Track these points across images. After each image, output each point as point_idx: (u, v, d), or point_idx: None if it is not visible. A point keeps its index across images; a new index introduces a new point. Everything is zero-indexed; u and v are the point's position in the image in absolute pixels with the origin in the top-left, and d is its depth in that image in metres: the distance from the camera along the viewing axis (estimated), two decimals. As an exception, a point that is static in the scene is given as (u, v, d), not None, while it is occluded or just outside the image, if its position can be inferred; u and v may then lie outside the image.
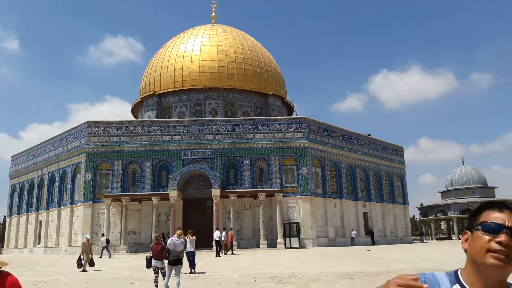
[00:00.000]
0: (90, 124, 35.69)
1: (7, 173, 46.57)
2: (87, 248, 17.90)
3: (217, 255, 24.26)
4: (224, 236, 26.18)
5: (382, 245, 36.40)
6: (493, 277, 1.19)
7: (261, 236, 32.20)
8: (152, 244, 11.42)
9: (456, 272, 1.31)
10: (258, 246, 32.16)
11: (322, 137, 37.24)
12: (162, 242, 11.27)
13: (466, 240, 1.31)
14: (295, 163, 34.79)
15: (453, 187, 53.89)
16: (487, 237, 1.22)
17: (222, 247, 25.77)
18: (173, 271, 10.44)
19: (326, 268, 16.04)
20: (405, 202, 46.24)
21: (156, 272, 10.58)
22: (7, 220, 46.29)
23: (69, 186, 36.24)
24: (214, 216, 31.92)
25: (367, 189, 41.29)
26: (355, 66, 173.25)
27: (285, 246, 31.65)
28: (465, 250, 1.31)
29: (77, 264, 17.34)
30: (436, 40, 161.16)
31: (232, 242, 27.46)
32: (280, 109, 46.48)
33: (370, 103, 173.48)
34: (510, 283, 1.25)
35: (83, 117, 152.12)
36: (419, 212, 67.88)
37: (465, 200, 51.51)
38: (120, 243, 31.46)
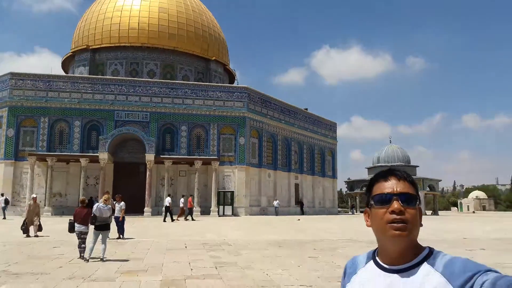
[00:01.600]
0: (14, 75, 32.59)
1: None
2: (34, 210, 15.06)
3: (164, 220, 25.07)
4: (182, 202, 26.93)
5: (310, 216, 38.23)
6: (398, 246, 1.19)
7: (195, 204, 32.14)
8: (77, 208, 10.83)
9: (376, 249, 1.31)
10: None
11: (261, 108, 37.47)
12: (88, 206, 10.77)
13: (368, 218, 1.29)
14: (233, 132, 34.77)
15: (379, 164, 57.42)
16: (382, 210, 1.21)
17: (179, 213, 26.73)
18: (100, 237, 9.92)
19: (257, 236, 16.47)
20: (334, 176, 48.67)
21: (79, 238, 10.06)
22: None
23: (-13, 141, 33.09)
24: (147, 182, 31.21)
25: (300, 162, 42.70)
26: (299, 40, 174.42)
27: (218, 214, 31.99)
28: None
29: (21, 229, 14.49)
30: (377, 19, 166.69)
31: (191, 208, 27.30)
32: (222, 76, 45.78)
33: (311, 78, 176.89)
34: (428, 247, 1.23)
35: (8, 67, 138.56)
36: (346, 186, 72.02)
37: (387, 177, 55.51)
38: (45, 205, 29.66)
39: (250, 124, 35.57)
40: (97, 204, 10.46)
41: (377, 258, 1.27)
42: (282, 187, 39.34)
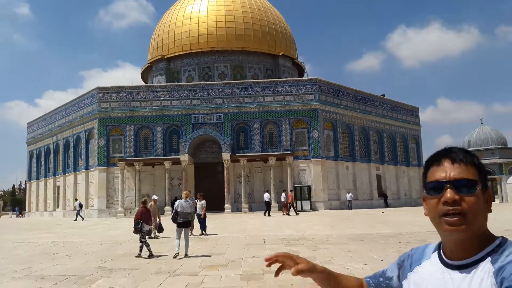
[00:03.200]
0: (100, 89, 35.66)
1: (25, 139, 47.48)
2: (155, 210, 14.99)
3: (267, 215, 26.63)
4: (283, 197, 28.19)
5: (395, 208, 36.41)
6: (454, 240, 1.04)
7: (272, 200, 32.41)
8: (139, 208, 11.29)
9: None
10: (269, 208, 32.44)
11: (334, 99, 36.52)
12: (146, 206, 11.49)
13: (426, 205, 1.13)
14: (306, 126, 34.39)
15: (470, 148, 52.72)
16: (434, 200, 1.05)
17: (283, 208, 28.27)
18: (182, 234, 10.30)
19: (336, 230, 16.06)
20: (420, 164, 45.67)
21: (144, 237, 10.53)
22: (27, 184, 47.77)
23: (83, 151, 36.88)
24: (225, 180, 32.17)
25: (380, 152, 40.83)
26: (371, 23, 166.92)
27: (295, 210, 31.82)
28: None
29: (135, 228, 14.45)
30: None
31: (292, 203, 28.35)
32: (291, 71, 45.53)
33: (388, 62, 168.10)
34: (501, 237, 1.05)
35: (96, 83, 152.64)
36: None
37: (483, 162, 50.75)
38: (135, 206, 32.04)
39: (322, 116, 34.89)
40: (178, 200, 10.72)
41: (441, 250, 1.12)
42: (362, 180, 37.98)
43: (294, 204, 29.15)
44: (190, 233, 15.15)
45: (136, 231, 10.62)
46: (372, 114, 40.19)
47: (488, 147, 49.97)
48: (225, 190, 32.00)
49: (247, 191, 33.23)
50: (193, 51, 41.69)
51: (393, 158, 42.06)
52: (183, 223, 10.34)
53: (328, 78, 35.61)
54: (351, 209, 32.42)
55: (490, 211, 1.05)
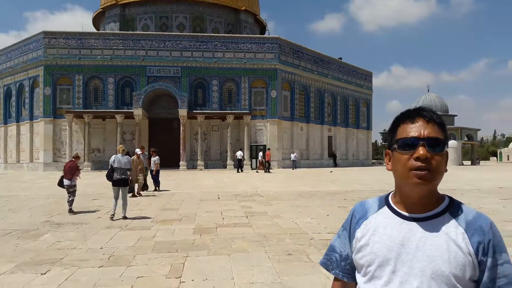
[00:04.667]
0: (47, 34, 33.10)
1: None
2: (137, 166, 13.57)
3: (240, 171, 28.33)
4: (261, 156, 29.45)
5: (344, 168, 38.03)
6: (417, 193, 1.11)
7: (228, 157, 32.66)
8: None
9: (387, 194, 1.24)
10: (225, 166, 32.76)
11: (293, 59, 36.46)
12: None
13: (389, 161, 1.19)
14: (265, 86, 34.30)
15: (416, 114, 55.50)
16: (405, 156, 1.11)
17: (258, 165, 29.91)
18: (120, 194, 9.17)
19: (288, 187, 16.58)
20: (369, 127, 47.61)
21: (68, 192, 9.99)
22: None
23: (27, 100, 34.64)
24: (181, 137, 31.80)
25: (333, 114, 41.89)
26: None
27: (251, 167, 32.39)
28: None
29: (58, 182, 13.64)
30: None
31: (269, 161, 29.21)
32: (252, 27, 44.56)
33: (348, 24, 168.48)
34: (446, 195, 1.17)
35: (42, 27, 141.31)
36: (381, 137, 70.54)
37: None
38: (84, 161, 31.06)
39: (281, 76, 34.87)
40: (114, 155, 9.54)
41: (392, 204, 1.19)
42: (315, 140, 39.02)
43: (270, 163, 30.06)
44: (141, 190, 15.06)
45: (59, 184, 10.10)
46: (328, 77, 40.75)
47: (433, 114, 52.74)
48: (181, 147, 31.70)
49: (204, 148, 33.14)
50: (150, -2, 39.37)
51: (345, 120, 43.39)
52: (120, 180, 9.20)
53: (290, 37, 35.32)
54: (295, 169, 32.37)
55: (446, 170, 1.13)
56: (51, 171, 31.00)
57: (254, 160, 33.06)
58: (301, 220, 8.56)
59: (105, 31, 38.78)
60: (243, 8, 42.10)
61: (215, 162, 33.88)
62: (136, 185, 13.49)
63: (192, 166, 32.50)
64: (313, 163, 37.57)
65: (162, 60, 33.16)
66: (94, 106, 33.15)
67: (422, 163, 1.08)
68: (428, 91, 57.21)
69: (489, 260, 1.04)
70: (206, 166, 32.63)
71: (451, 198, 1.15)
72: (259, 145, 33.68)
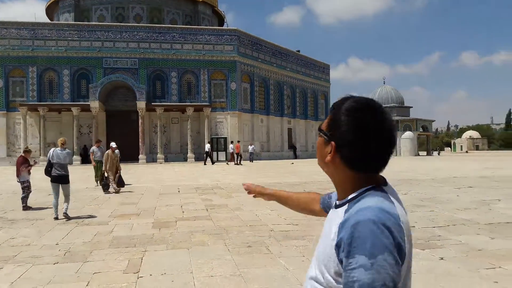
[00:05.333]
0: (-3, 24, 31.31)
1: None
2: (113, 160, 13.00)
3: (209, 163, 28.54)
4: (231, 148, 29.62)
5: (304, 159, 38.87)
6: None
7: (188, 150, 32.49)
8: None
9: None
10: (185, 159, 32.59)
11: (252, 52, 36.64)
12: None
13: None
14: (224, 78, 34.28)
15: (373, 106, 57.39)
16: None
17: (229, 158, 30.16)
18: (61, 191, 8.47)
19: (249, 180, 16.83)
20: (327, 119, 48.72)
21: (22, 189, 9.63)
22: None
23: (-24, 93, 32.64)
24: (140, 130, 31.27)
25: (292, 106, 42.60)
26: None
27: (212, 160, 32.39)
28: None
29: (101, 185, 12.82)
30: None
31: (239, 153, 29.20)
32: (211, 19, 44.23)
33: (306, 17, 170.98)
34: (374, 187, 1.07)
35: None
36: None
37: (384, 119, 55.70)
38: (40, 155, 29.86)
39: (241, 68, 34.97)
40: (53, 149, 8.73)
41: None
42: (275, 132, 39.57)
43: (241, 155, 30.13)
44: (98, 183, 14.78)
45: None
46: (287, 69, 41.32)
47: (388, 105, 54.72)
48: (140, 140, 31.17)
49: (163, 141, 32.76)
50: (105, -13, 38.09)
51: (304, 112, 44.26)
52: (59, 177, 8.47)
53: (249, 29, 35.47)
54: (252, 161, 32.19)
55: (328, 159, 1.11)
56: (4, 166, 29.56)
57: (216, 153, 33.10)
58: (261, 212, 8.73)
59: (59, 22, 37.23)
60: (201, 0, 41.66)
61: (176, 155, 33.60)
62: (111, 182, 12.79)
63: (152, 159, 32.07)
64: (274, 155, 38.12)
65: (118, 51, 32.29)
66: (49, 99, 31.86)
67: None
68: (384, 83, 59.30)
69: (344, 261, 0.93)
70: (167, 159, 32.32)
71: (368, 189, 1.06)
72: (219, 137, 33.74)
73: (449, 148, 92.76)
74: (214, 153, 33.08)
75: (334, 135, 1.08)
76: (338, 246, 0.97)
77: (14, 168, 10.16)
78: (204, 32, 34.32)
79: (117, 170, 12.98)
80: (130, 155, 29.72)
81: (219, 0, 46.91)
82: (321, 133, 1.14)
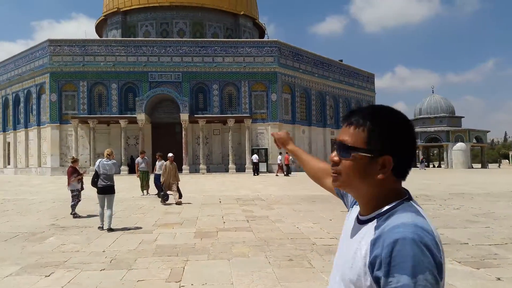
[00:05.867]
0: (52, 42, 33.56)
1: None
2: (171, 171, 12.55)
3: (254, 174, 29.49)
4: (279, 159, 29.60)
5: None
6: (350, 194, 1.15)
7: (230, 161, 32.82)
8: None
9: None
10: (227, 170, 32.92)
11: (293, 62, 36.64)
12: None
13: None
14: (265, 89, 34.48)
15: (421, 116, 55.20)
16: None
17: (277, 169, 29.99)
18: (106, 202, 8.46)
19: (290, 191, 16.69)
20: (372, 129, 47.41)
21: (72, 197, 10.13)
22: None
23: (34, 107, 35.19)
24: (183, 141, 32.03)
25: (336, 116, 41.98)
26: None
27: (253, 172, 32.50)
28: None
29: (159, 196, 12.65)
30: None
31: (288, 165, 29.25)
32: (251, 31, 44.82)
33: (350, 26, 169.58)
34: (401, 202, 1.05)
35: (47, 35, 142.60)
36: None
37: (432, 129, 53.23)
38: (90, 165, 31.33)
39: (281, 79, 35.05)
40: (99, 159, 8.76)
41: None
42: (317, 143, 39.12)
43: (291, 166, 30.16)
44: (145, 193, 15.22)
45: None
46: (329, 79, 40.88)
47: (437, 115, 52.50)
48: (183, 151, 31.91)
49: (205, 152, 33.34)
50: (150, 5, 39.77)
51: (348, 123, 43.31)
52: (105, 188, 8.47)
53: (290, 40, 35.56)
54: (289, 174, 29.44)
55: (382, 176, 1.04)
56: (58, 175, 31.35)
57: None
58: (303, 224, 8.60)
59: (108, 38, 39.18)
60: (242, 13, 42.39)
61: (217, 166, 34.06)
62: (171, 193, 12.46)
63: (194, 170, 32.70)
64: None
65: (163, 65, 33.45)
66: (99, 112, 33.48)
67: (332, 167, 1.10)
68: (433, 92, 57.04)
69: (382, 280, 0.91)
70: (208, 170, 32.82)
71: (397, 204, 1.04)
72: (260, 148, 33.83)
73: (507, 161, 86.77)
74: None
75: (385, 148, 1.03)
76: (372, 264, 0.95)
77: (67, 177, 10.67)
78: (244, 45, 34.82)
79: (177, 181, 12.53)
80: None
81: (260, 12, 47.55)
82: (360, 152, 1.04)
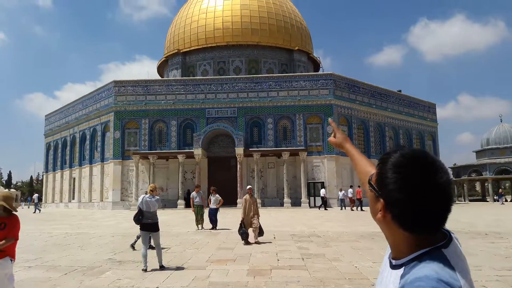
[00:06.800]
0: (117, 83, 36.06)
1: (43, 131, 48.48)
2: (251, 205, 11.28)
3: (323, 208, 28.75)
4: (350, 193, 29.27)
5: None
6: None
7: (285, 195, 32.37)
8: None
9: None
10: (282, 204, 32.43)
11: (349, 94, 36.11)
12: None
13: None
14: (320, 121, 34.12)
15: (489, 146, 51.56)
16: None
17: (350, 203, 29.47)
18: (151, 240, 8.35)
19: (348, 228, 15.91)
20: (436, 162, 44.82)
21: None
22: (44, 176, 48.74)
23: (99, 144, 37.43)
24: (238, 175, 32.24)
25: (395, 148, 40.24)
26: (392, 15, 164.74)
27: (309, 205, 31.75)
28: None
29: (240, 234, 11.08)
30: None
31: (360, 199, 28.72)
32: (306, 65, 45.18)
33: (409, 55, 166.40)
34: (434, 248, 0.96)
35: (113, 76, 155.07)
36: (452, 172, 66.09)
37: (502, 160, 49.34)
38: (149, 200, 32.34)
39: (337, 111, 34.55)
40: (142, 196, 8.41)
41: None
42: (376, 176, 37.53)
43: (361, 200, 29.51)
44: (200, 227, 15.22)
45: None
46: (388, 110, 39.64)
47: (508, 145, 48.67)
48: (238, 184, 32.06)
49: (260, 186, 33.23)
50: (208, 45, 41.74)
51: (409, 155, 41.33)
52: (149, 225, 8.10)
53: (347, 71, 35.44)
54: (343, 208, 29.48)
55: (379, 217, 1.02)
56: (118, 209, 32.75)
57: (312, 198, 32.42)
58: (362, 264, 8.06)
59: (168, 78, 41.46)
60: (296, 48, 43.06)
61: (272, 199, 33.71)
62: (251, 230, 11.24)
63: (250, 204, 32.58)
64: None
65: (220, 102, 34.49)
66: (158, 147, 34.96)
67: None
68: (501, 121, 53.26)
69: None
70: (263, 204, 32.54)
71: (429, 251, 0.97)
72: (316, 182, 33.09)
73: None
74: (311, 198, 32.42)
75: (382, 191, 1.00)
76: None
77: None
78: (299, 79, 35.07)
79: (257, 215, 11.21)
80: (228, 199, 30.56)
81: (315, 46, 48.06)
82: (371, 188, 1.05)
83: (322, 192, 29.73)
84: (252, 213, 11.21)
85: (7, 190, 4.43)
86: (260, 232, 11.11)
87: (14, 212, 4.18)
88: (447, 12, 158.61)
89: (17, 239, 4.12)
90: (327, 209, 28.45)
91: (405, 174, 0.95)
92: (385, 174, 0.99)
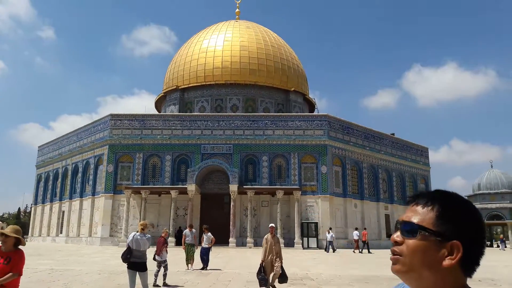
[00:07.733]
0: (114, 116, 36.18)
1: (35, 162, 47.99)
2: (272, 247, 9.83)
3: (326, 250, 27.98)
4: (356, 235, 29.01)
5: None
6: (402, 279, 1.02)
7: (278, 235, 31.80)
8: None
9: None
10: (275, 244, 31.76)
11: (343, 135, 36.47)
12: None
13: None
14: (314, 161, 34.20)
15: (480, 191, 51.76)
16: None
17: (355, 245, 29.10)
18: (138, 280, 7.90)
19: (342, 271, 15.56)
20: (429, 205, 44.69)
21: (158, 266, 10.68)
22: (33, 208, 47.68)
23: (91, 177, 36.92)
24: (231, 212, 31.79)
25: (389, 191, 40.24)
26: (387, 61, 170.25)
27: (302, 246, 31.17)
28: None
29: (259, 280, 9.71)
30: (475, 30, 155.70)
31: (366, 241, 28.74)
32: (302, 106, 45.90)
33: (403, 99, 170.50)
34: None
35: (111, 109, 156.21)
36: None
37: (493, 206, 49.45)
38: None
39: (332, 152, 34.73)
40: (133, 233, 8.11)
41: None
42: (370, 218, 37.23)
43: (367, 242, 29.35)
44: (189, 267, 14.79)
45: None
46: (381, 153, 39.94)
47: (498, 191, 48.88)
48: (231, 223, 31.54)
49: (253, 225, 32.72)
50: (207, 83, 42.47)
51: (402, 197, 41.31)
52: (138, 264, 7.74)
53: (342, 113, 36.10)
54: (329, 251, 27.96)
55: (448, 264, 0.93)
56: (107, 245, 31.83)
57: (305, 239, 31.86)
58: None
59: (165, 113, 41.81)
60: (292, 89, 43.95)
61: (266, 239, 33.05)
62: (271, 276, 9.86)
63: (241, 243, 31.92)
64: (370, 243, 35.33)
65: (215, 138, 34.62)
66: (151, 182, 34.58)
67: (394, 247, 1.03)
68: (492, 166, 53.77)
69: None
70: (256, 244, 31.83)
71: None
72: (310, 222, 32.67)
73: None
74: (305, 239, 31.84)
75: (454, 232, 0.92)
76: None
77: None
78: (294, 118, 35.49)
79: (280, 259, 9.80)
80: (220, 237, 29.97)
81: (311, 87, 49.26)
82: (428, 232, 0.95)
83: (329, 236, 28.11)
84: (273, 255, 9.68)
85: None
86: (283, 278, 9.70)
87: (20, 247, 4.15)
88: (440, 60, 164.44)
89: (21, 274, 4.06)
90: (334, 251, 27.94)
91: (474, 214, 0.94)
92: (456, 213, 0.94)
